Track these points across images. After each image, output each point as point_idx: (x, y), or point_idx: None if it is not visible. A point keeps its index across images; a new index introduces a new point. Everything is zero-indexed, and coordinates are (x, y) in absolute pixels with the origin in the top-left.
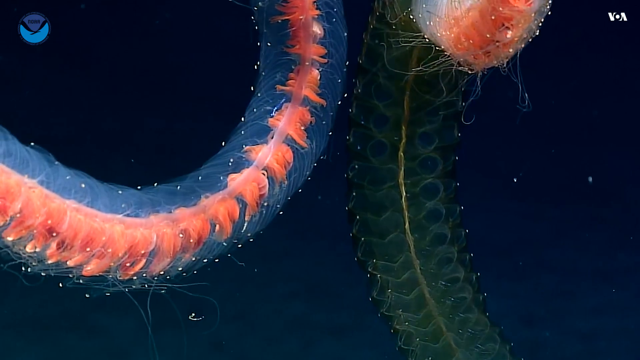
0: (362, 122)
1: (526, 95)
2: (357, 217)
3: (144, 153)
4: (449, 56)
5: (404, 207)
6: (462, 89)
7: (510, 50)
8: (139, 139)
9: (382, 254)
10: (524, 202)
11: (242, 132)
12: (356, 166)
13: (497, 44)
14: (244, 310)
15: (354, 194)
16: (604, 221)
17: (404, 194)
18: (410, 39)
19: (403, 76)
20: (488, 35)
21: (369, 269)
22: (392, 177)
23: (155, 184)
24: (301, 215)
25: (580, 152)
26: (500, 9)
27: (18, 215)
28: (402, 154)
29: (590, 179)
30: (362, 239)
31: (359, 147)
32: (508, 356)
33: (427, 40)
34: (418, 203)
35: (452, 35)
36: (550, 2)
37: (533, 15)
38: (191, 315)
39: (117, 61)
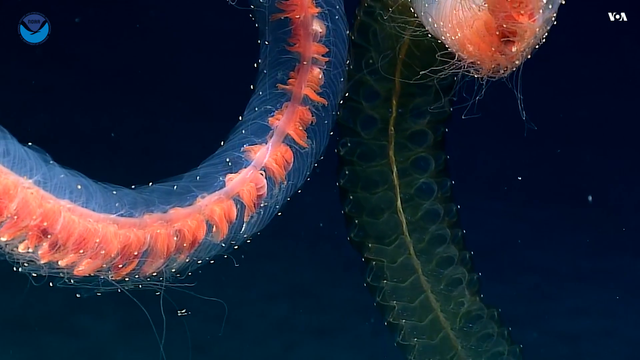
0: (353, 97)
1: (522, 107)
2: (350, 196)
3: (129, 153)
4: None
5: (396, 183)
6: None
7: (517, 61)
8: (125, 138)
9: (375, 234)
10: (507, 202)
11: (241, 131)
12: (348, 143)
13: (503, 55)
14: (224, 312)
15: (346, 171)
16: (587, 222)
17: (395, 169)
18: (406, 24)
19: (394, 52)
20: (493, 48)
21: (364, 253)
22: (383, 152)
23: (150, 184)
24: (283, 216)
25: (564, 152)
26: (505, 25)
27: (15, 216)
28: (392, 127)
29: (590, 197)
30: (356, 221)
31: (349, 122)
32: (506, 345)
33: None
34: (409, 179)
35: (456, 39)
36: (555, 13)
37: (537, 30)
38: (180, 311)
39: (104, 60)
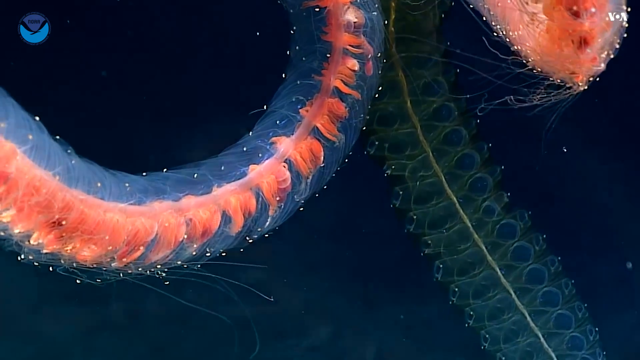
0: None
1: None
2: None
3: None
4: None
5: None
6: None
7: (584, 87)
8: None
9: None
10: None
11: (272, 121)
12: (376, 141)
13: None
14: (185, 313)
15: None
16: (545, 222)
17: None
18: None
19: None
20: (559, 72)
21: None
22: (413, 139)
23: (165, 170)
24: None
25: (523, 151)
26: (566, 66)
27: (37, 211)
28: (393, 27)
29: (630, 264)
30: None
31: None
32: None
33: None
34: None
35: (516, 36)
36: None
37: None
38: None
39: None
